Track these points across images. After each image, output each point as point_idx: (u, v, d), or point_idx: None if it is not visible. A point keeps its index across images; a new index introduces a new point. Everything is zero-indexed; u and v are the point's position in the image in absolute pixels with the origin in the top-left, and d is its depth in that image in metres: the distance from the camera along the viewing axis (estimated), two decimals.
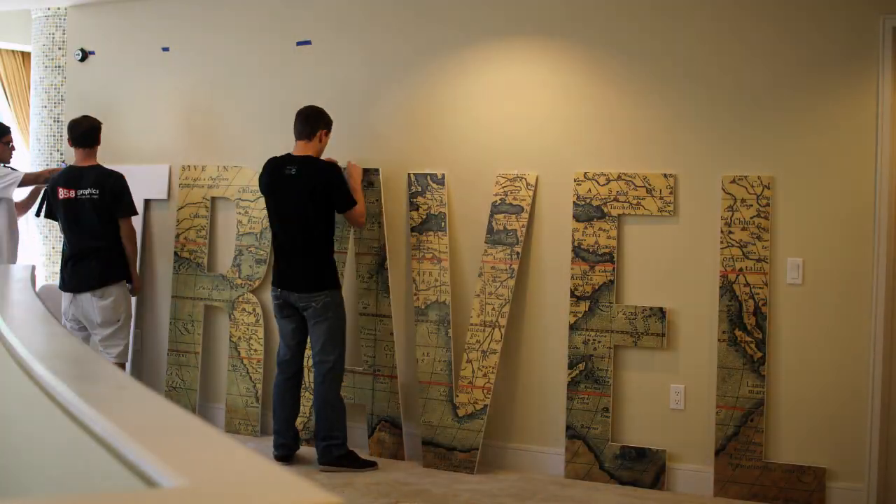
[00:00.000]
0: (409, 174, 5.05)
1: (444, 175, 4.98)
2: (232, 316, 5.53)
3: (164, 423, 1.63)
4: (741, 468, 4.35)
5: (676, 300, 4.53)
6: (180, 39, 5.77)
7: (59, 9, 6.48)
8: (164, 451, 1.36)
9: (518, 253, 4.78)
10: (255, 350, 5.45)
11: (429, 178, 5.01)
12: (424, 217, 4.99)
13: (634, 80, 4.63)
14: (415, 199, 5.02)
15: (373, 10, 5.21)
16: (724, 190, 4.41)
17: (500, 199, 4.84)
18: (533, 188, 4.79)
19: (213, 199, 5.65)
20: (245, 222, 5.52)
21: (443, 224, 4.94)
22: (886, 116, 4.17)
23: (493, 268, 4.81)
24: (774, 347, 4.36)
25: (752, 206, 4.35)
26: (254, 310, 5.47)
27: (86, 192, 5.15)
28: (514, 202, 4.81)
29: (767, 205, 4.35)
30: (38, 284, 7.21)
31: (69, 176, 5.23)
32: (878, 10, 4.17)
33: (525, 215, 4.79)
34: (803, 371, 4.32)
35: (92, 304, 5.17)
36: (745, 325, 4.35)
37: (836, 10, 4.25)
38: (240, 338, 5.50)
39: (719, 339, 4.40)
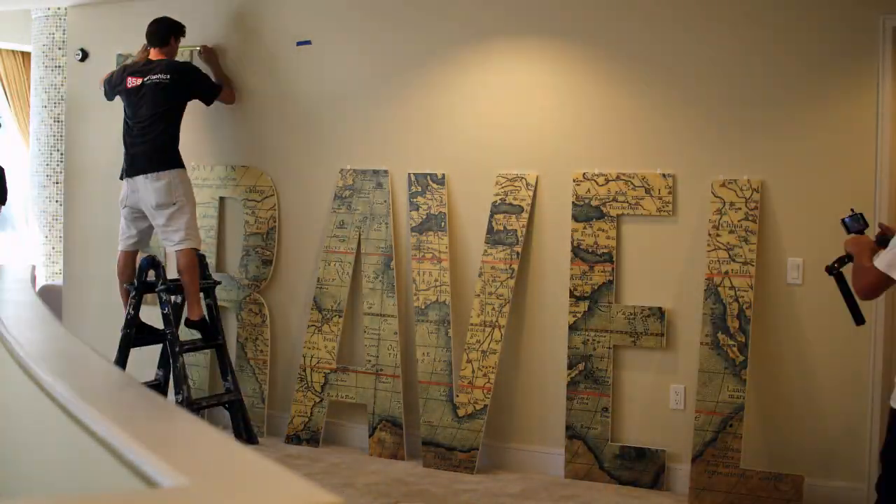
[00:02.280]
0: (409, 174, 5.06)
1: (444, 175, 4.98)
2: (239, 316, 5.53)
3: (164, 422, 1.63)
4: (718, 475, 4.28)
5: (675, 300, 4.53)
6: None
7: (59, 9, 6.49)
8: (163, 451, 1.36)
9: (518, 253, 4.78)
10: (262, 351, 5.45)
11: (429, 178, 5.01)
12: (424, 217, 4.99)
13: (634, 80, 4.63)
14: (415, 199, 5.02)
15: (373, 10, 5.21)
16: (713, 193, 4.41)
17: (500, 199, 4.84)
18: (533, 188, 4.79)
19: (222, 198, 5.65)
20: (252, 222, 5.51)
21: (443, 224, 4.94)
22: (886, 116, 4.17)
23: (492, 268, 4.81)
24: (762, 350, 4.35)
25: (740, 209, 4.35)
26: (260, 310, 5.47)
27: (155, 77, 5.10)
28: (514, 202, 4.81)
29: (756, 208, 4.34)
30: (38, 284, 7.22)
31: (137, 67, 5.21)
32: (878, 10, 4.17)
33: (525, 215, 4.79)
34: (798, 372, 4.31)
35: (146, 187, 5.04)
36: (729, 328, 4.34)
37: (835, 9, 4.25)
38: (246, 338, 5.49)
39: (701, 343, 4.39)
